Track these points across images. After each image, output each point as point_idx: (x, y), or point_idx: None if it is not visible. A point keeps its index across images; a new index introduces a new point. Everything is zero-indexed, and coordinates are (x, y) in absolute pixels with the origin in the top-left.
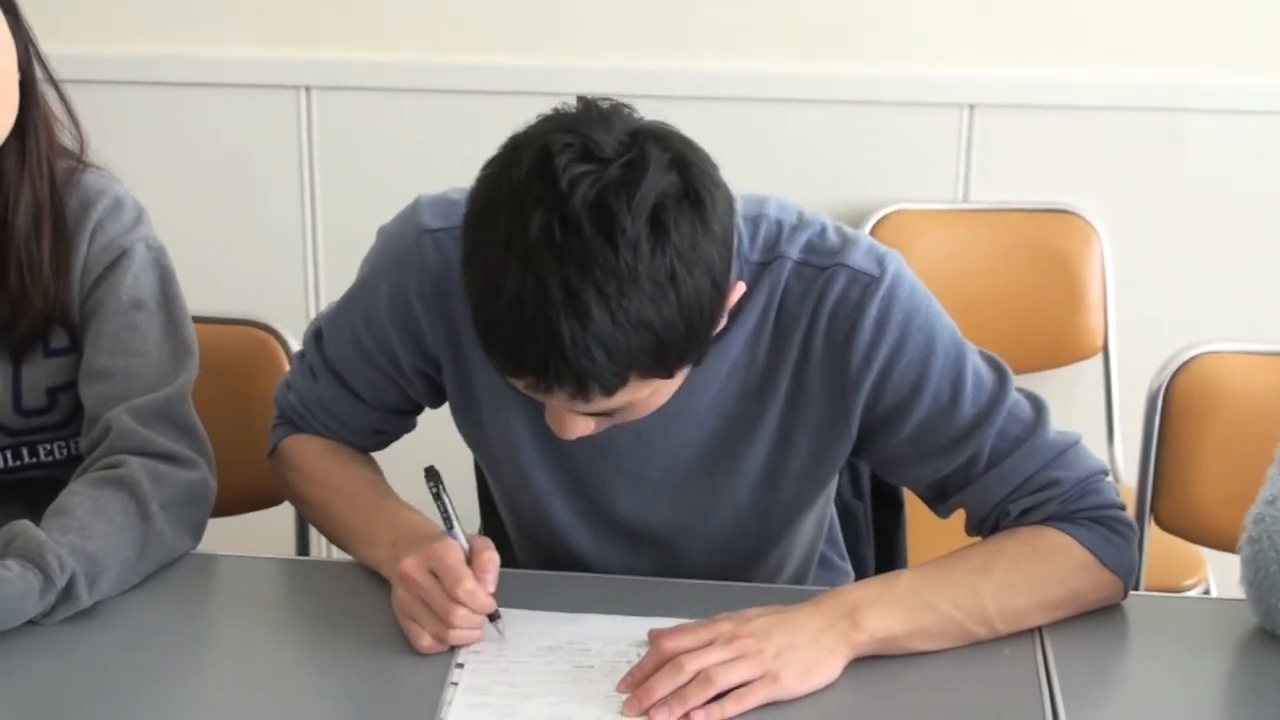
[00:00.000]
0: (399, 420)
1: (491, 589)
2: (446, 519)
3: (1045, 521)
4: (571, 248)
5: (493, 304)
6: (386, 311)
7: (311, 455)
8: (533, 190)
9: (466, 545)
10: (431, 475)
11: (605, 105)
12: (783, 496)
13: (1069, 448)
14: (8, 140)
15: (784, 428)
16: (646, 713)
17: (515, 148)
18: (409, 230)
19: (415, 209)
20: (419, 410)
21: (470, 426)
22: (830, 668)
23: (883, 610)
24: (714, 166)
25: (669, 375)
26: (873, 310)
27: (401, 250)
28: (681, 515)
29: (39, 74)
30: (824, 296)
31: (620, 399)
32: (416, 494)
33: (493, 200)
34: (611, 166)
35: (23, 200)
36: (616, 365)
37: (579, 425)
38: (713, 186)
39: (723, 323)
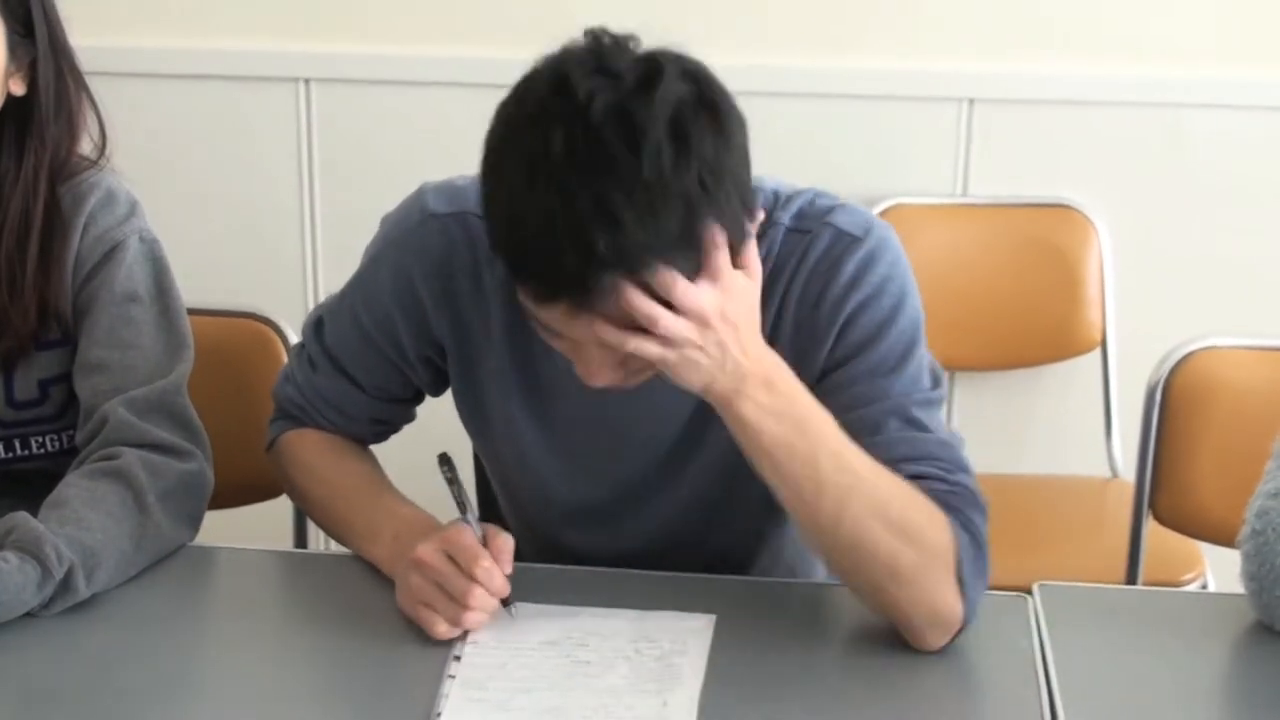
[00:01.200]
0: (399, 409)
1: (508, 570)
2: (460, 504)
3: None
4: (596, 158)
5: (520, 230)
6: (390, 294)
7: (311, 450)
8: (551, 109)
9: (479, 530)
10: (445, 461)
11: (620, 34)
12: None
13: (959, 453)
14: (3, 159)
15: None
16: None
17: (529, 78)
18: (414, 215)
19: (420, 194)
20: (419, 399)
21: (472, 412)
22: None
23: (766, 391)
24: (719, 80)
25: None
26: (849, 267)
27: (406, 234)
28: (667, 486)
29: (70, 86)
30: (807, 254)
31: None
32: (420, 487)
33: (511, 127)
34: (627, 78)
35: (10, 216)
36: (651, 261)
37: (605, 370)
38: (728, 100)
39: (752, 240)
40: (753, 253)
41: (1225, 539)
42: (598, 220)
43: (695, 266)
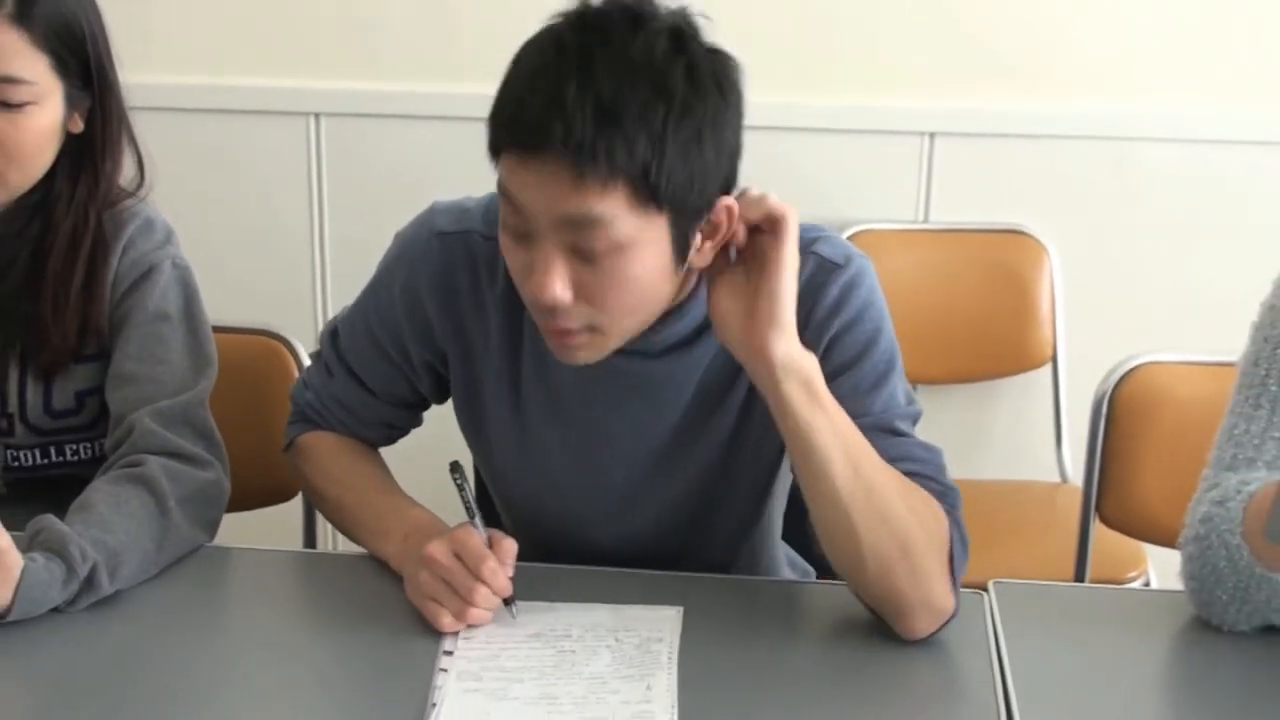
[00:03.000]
0: (407, 415)
1: (510, 573)
2: (468, 509)
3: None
4: (595, 25)
5: (510, 86)
6: (400, 306)
7: (326, 452)
8: (567, 12)
9: (485, 534)
10: (455, 469)
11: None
12: (744, 464)
13: (945, 475)
14: (57, 186)
15: (747, 401)
16: None
17: (551, 17)
18: (423, 232)
19: (431, 213)
20: (425, 406)
21: (470, 417)
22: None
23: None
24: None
25: (654, 206)
26: (832, 292)
27: (415, 250)
28: (659, 482)
29: (117, 127)
30: None
31: (600, 205)
32: (424, 494)
33: (529, 41)
34: (660, 21)
35: (60, 239)
36: (610, 140)
37: (557, 278)
38: (735, 68)
39: (723, 227)
40: (792, 249)
41: (1166, 540)
42: (577, 74)
43: (659, 161)
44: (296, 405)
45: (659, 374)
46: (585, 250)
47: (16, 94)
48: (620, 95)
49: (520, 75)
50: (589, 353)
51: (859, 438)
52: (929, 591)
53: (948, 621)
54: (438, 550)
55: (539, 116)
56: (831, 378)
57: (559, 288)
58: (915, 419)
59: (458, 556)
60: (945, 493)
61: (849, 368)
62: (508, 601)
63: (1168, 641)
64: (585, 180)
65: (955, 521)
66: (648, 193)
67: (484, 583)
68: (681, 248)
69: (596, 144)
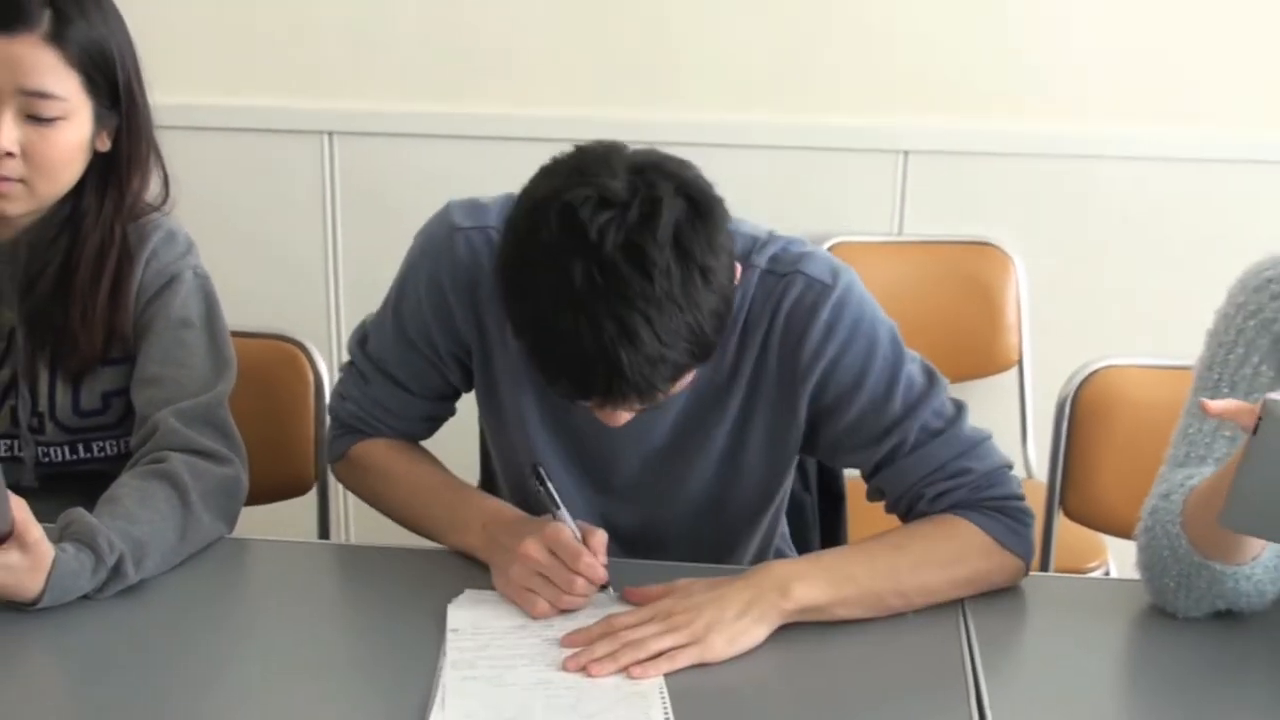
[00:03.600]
0: (442, 406)
1: (604, 562)
2: (555, 504)
3: (955, 509)
4: (614, 287)
5: (553, 351)
6: (425, 301)
7: (382, 458)
8: (566, 245)
9: (575, 528)
10: (535, 471)
11: (599, 149)
12: (743, 476)
13: (981, 442)
14: (86, 200)
15: (744, 412)
16: (585, 667)
17: (535, 208)
18: (443, 229)
19: (447, 210)
20: (457, 396)
21: (490, 409)
22: (755, 634)
23: (809, 582)
24: (701, 174)
25: (707, 359)
26: (824, 314)
27: (436, 246)
28: (658, 482)
29: (145, 145)
30: (782, 300)
31: (668, 395)
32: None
33: (528, 261)
34: (631, 209)
35: (87, 252)
36: (669, 372)
37: (623, 418)
38: (712, 197)
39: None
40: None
41: (1125, 532)
42: (621, 340)
43: (702, 344)
44: (338, 419)
45: None
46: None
47: (48, 108)
48: (664, 340)
49: (561, 347)
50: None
51: (877, 568)
52: (1001, 579)
53: (1029, 564)
54: (533, 549)
55: (604, 388)
56: (845, 399)
57: (627, 419)
58: (936, 394)
59: (553, 552)
60: (974, 489)
61: (857, 387)
62: (603, 587)
63: (1125, 627)
64: (655, 399)
65: (990, 508)
66: (700, 361)
67: (580, 574)
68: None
69: (657, 382)
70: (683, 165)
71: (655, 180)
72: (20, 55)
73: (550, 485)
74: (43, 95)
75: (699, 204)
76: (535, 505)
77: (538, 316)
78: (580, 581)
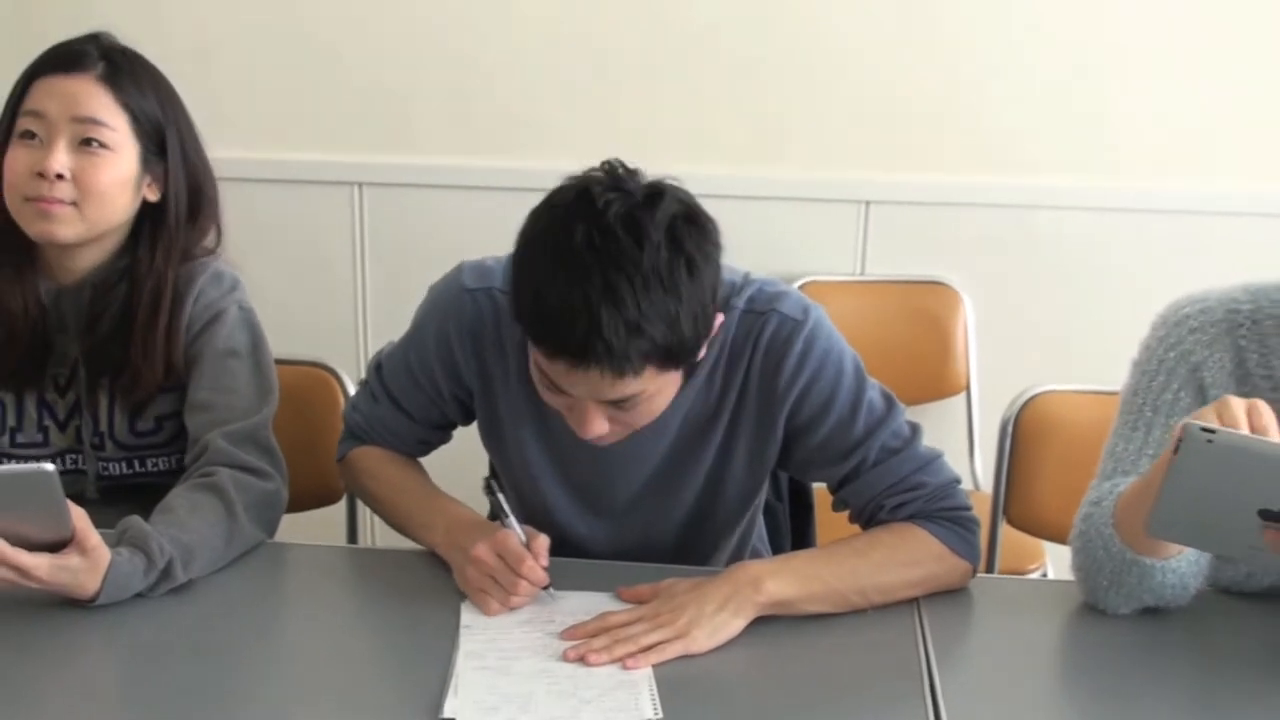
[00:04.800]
0: (438, 434)
1: (545, 565)
2: (505, 513)
3: (912, 518)
4: (608, 250)
5: (542, 304)
6: (433, 350)
7: (376, 463)
8: (575, 211)
9: (521, 532)
10: (490, 483)
11: (625, 166)
12: (727, 490)
13: (934, 459)
14: (141, 252)
15: (729, 434)
16: (583, 657)
17: (558, 190)
18: (453, 289)
19: (459, 271)
20: (454, 427)
21: (493, 441)
22: (734, 626)
23: (780, 579)
24: (710, 217)
25: (675, 366)
26: (798, 346)
27: (446, 303)
28: (652, 503)
29: (202, 198)
30: (760, 335)
31: (636, 385)
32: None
33: (541, 225)
34: (637, 195)
35: (143, 298)
36: (641, 348)
37: (597, 423)
38: (706, 215)
39: (708, 343)
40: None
41: (1061, 538)
42: (605, 298)
43: (676, 339)
44: (347, 425)
45: None
46: (619, 406)
47: (99, 134)
48: (643, 310)
49: (550, 296)
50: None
51: (840, 569)
52: (951, 581)
53: (977, 567)
54: (483, 552)
55: (580, 342)
56: (815, 420)
57: (598, 429)
58: (894, 416)
59: (500, 556)
60: (929, 500)
61: (826, 410)
62: (545, 588)
63: (1061, 622)
64: (623, 376)
65: (943, 519)
66: (670, 363)
67: (523, 578)
68: (689, 373)
69: (630, 353)
70: (687, 194)
71: (664, 189)
72: (76, 90)
73: (501, 496)
74: (94, 122)
75: (696, 214)
76: (542, 523)
77: (536, 269)
78: (523, 584)
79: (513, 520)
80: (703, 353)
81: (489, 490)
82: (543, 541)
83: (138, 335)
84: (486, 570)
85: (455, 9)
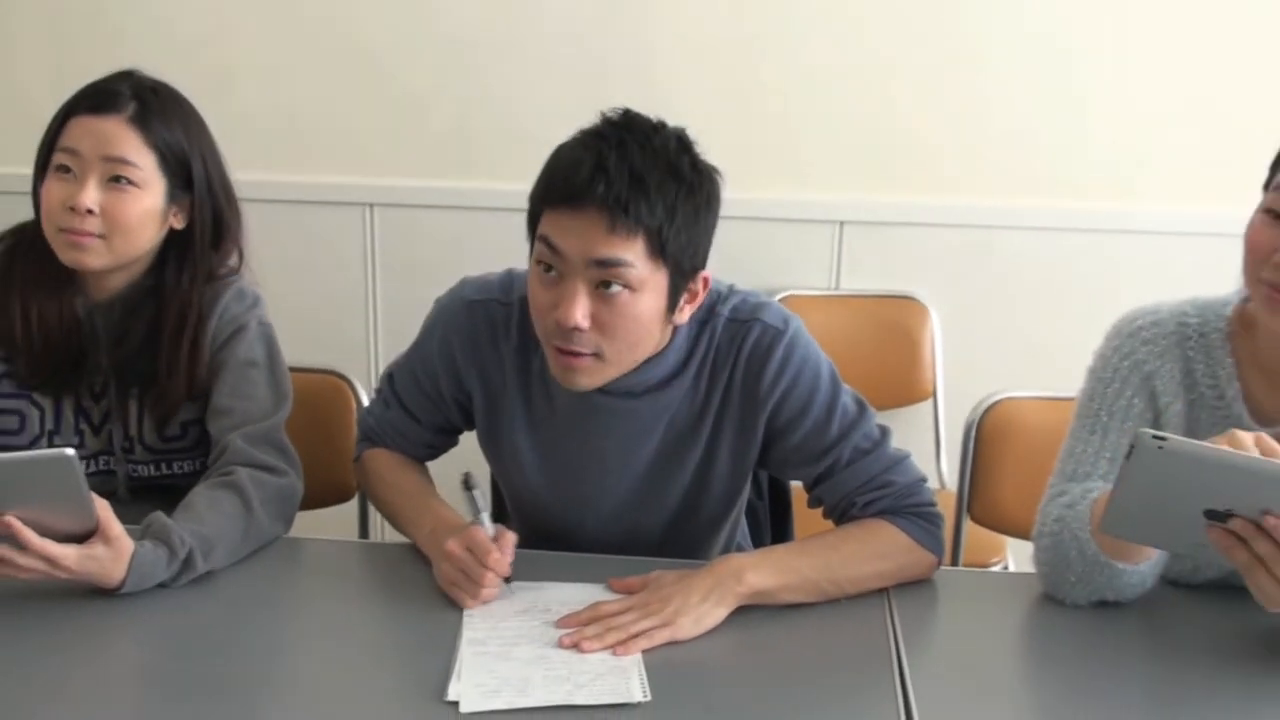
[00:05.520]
0: (445, 438)
1: (510, 558)
2: (477, 510)
3: (882, 514)
4: (624, 126)
5: (559, 156)
6: (437, 358)
7: (383, 464)
8: (599, 119)
9: (491, 529)
10: (465, 479)
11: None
12: (713, 488)
13: (902, 460)
14: (167, 274)
15: (714, 435)
16: (578, 644)
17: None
18: (457, 302)
19: (461, 286)
20: (458, 432)
21: (490, 443)
22: (717, 614)
23: (760, 571)
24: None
25: (662, 261)
26: (779, 354)
27: (450, 316)
28: (641, 502)
29: (225, 225)
30: (744, 343)
31: (625, 250)
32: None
33: (571, 138)
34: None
35: (170, 320)
36: (640, 204)
37: (580, 304)
38: (716, 175)
39: (699, 296)
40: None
41: (1021, 533)
42: (614, 150)
43: (671, 227)
44: (362, 429)
45: (640, 410)
46: (606, 289)
47: (127, 172)
48: (647, 168)
49: (566, 152)
50: (589, 377)
51: (815, 561)
52: (917, 574)
53: (941, 560)
54: (453, 545)
55: (585, 176)
56: (793, 423)
57: (580, 314)
58: (866, 419)
59: (470, 550)
60: (897, 497)
61: (803, 414)
62: (508, 580)
63: (1022, 612)
64: (616, 229)
65: (909, 514)
66: (659, 247)
67: (490, 569)
68: (673, 301)
69: (628, 202)
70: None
71: (684, 134)
72: (108, 130)
73: (474, 493)
74: (123, 161)
75: (709, 171)
76: (537, 521)
77: (561, 148)
78: (489, 576)
79: (484, 516)
80: (684, 310)
81: (465, 487)
82: (510, 538)
83: (164, 350)
84: (457, 564)
85: (461, 44)
